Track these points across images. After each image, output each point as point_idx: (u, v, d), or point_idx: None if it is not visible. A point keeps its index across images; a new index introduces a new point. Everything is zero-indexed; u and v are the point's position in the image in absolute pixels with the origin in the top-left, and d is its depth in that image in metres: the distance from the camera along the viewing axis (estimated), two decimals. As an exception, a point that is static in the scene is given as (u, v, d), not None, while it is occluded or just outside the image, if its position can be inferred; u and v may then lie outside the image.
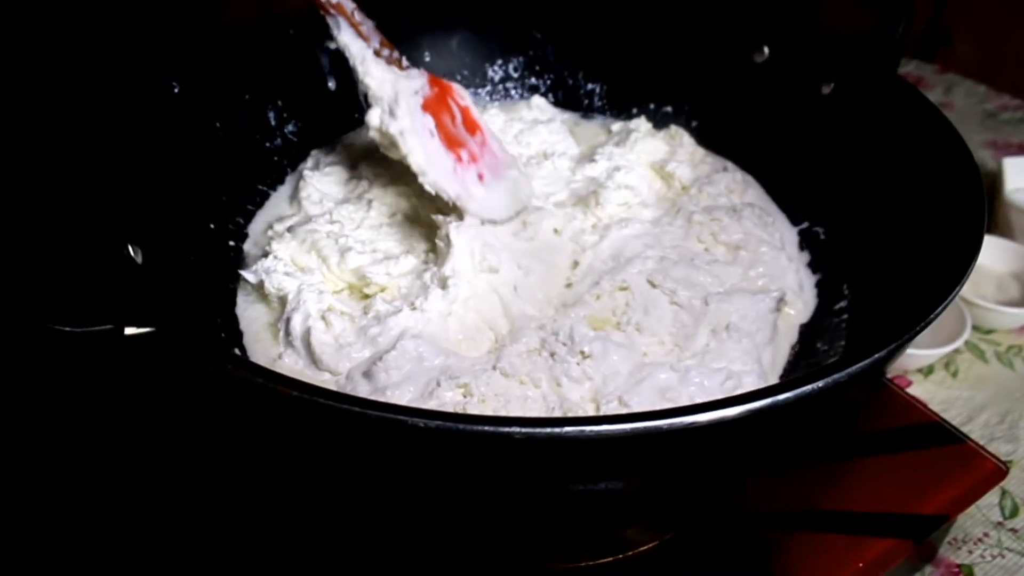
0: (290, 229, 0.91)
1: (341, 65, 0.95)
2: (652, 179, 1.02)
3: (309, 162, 1.04)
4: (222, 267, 0.90)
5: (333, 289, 0.86)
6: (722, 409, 0.53)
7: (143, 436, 0.86)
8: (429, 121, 0.87)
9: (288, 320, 0.81)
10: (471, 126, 0.91)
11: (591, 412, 0.73)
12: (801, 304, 0.87)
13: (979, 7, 2.06)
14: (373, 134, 0.87)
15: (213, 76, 0.94)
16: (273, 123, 1.02)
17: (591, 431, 0.50)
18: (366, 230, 0.93)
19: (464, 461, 0.58)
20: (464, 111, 0.91)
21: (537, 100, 1.13)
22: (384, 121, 0.85)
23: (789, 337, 0.85)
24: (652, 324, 0.81)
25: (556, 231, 0.92)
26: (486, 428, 0.50)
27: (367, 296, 0.86)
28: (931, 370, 1.14)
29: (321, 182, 0.99)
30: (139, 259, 0.72)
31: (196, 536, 0.80)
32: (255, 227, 0.98)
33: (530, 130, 1.07)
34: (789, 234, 0.97)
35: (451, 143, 0.88)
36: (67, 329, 0.58)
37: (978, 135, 1.67)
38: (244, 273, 0.87)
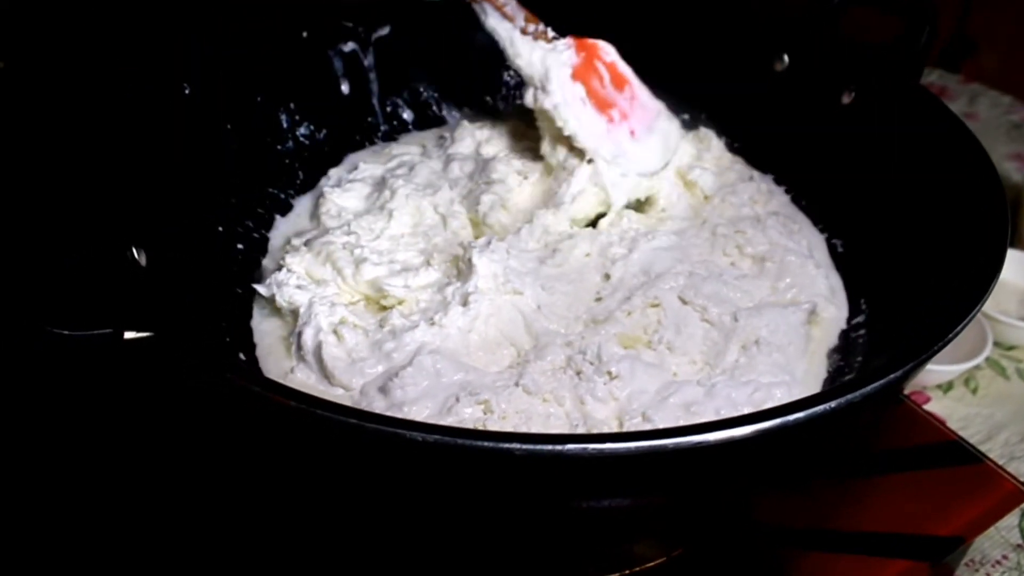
0: (307, 243, 0.89)
1: (354, 69, 0.95)
2: (676, 186, 0.99)
3: (331, 180, 1.02)
4: (231, 271, 0.89)
5: (348, 301, 0.84)
6: (732, 428, 0.52)
7: (142, 440, 0.85)
8: (580, 89, 0.92)
9: (300, 334, 0.79)
10: (618, 81, 0.94)
11: (615, 430, 0.71)
12: (834, 309, 0.86)
13: (1004, 17, 2.03)
14: (531, 107, 0.92)
15: (224, 78, 0.94)
16: (285, 126, 1.01)
17: (594, 449, 0.49)
18: (385, 241, 0.90)
19: (466, 476, 0.56)
20: (610, 68, 0.94)
21: None
22: (539, 98, 0.91)
23: (826, 342, 0.83)
24: (683, 343, 0.79)
25: (587, 255, 0.89)
26: (486, 444, 0.49)
27: (384, 308, 0.84)
28: (950, 386, 1.12)
29: (341, 197, 0.97)
30: (143, 261, 0.71)
31: (194, 543, 0.79)
32: (274, 243, 0.96)
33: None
34: (816, 239, 0.95)
35: (601, 105, 0.92)
36: (66, 332, 0.58)
37: (1003, 147, 1.64)
38: (257, 287, 0.85)
